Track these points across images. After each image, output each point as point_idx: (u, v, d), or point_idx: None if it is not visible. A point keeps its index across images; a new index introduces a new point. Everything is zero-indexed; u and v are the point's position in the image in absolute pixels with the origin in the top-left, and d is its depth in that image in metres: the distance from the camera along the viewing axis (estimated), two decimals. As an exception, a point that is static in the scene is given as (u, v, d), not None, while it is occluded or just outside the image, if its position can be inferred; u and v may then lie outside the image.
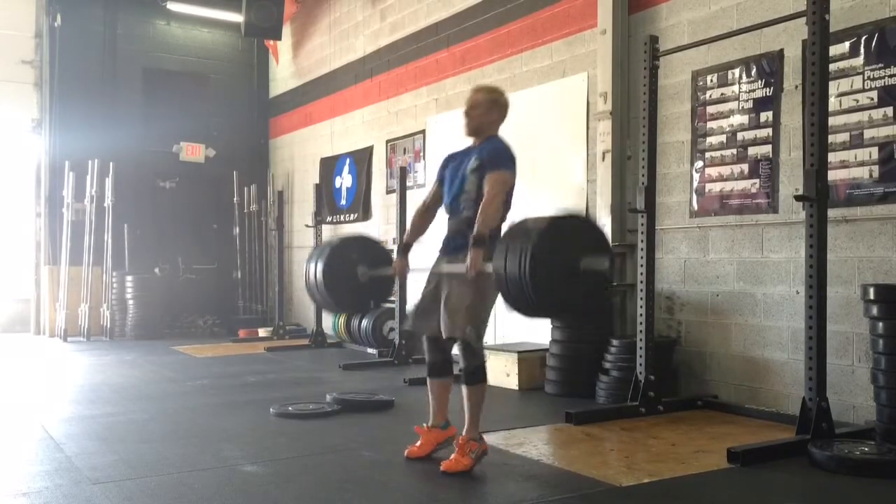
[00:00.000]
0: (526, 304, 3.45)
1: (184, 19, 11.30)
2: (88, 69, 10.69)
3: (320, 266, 4.34)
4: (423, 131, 8.31)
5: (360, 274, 4.26)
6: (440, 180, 3.95)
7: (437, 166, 4.03)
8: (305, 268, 4.51)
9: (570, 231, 3.58)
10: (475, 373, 3.64)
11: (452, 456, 3.59)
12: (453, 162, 3.90)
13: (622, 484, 3.40)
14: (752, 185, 5.09)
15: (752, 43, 5.08)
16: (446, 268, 3.77)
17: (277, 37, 10.59)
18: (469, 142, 3.91)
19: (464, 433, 3.62)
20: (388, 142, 8.93)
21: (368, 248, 4.59)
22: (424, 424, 3.90)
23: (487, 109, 3.81)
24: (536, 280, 3.33)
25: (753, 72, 5.09)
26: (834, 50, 4.39)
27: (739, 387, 5.13)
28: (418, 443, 3.87)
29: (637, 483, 3.41)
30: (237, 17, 10.40)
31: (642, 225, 4.95)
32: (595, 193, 6.08)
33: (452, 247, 3.77)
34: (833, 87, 4.41)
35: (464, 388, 3.66)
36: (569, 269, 3.44)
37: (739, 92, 5.17)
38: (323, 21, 10.50)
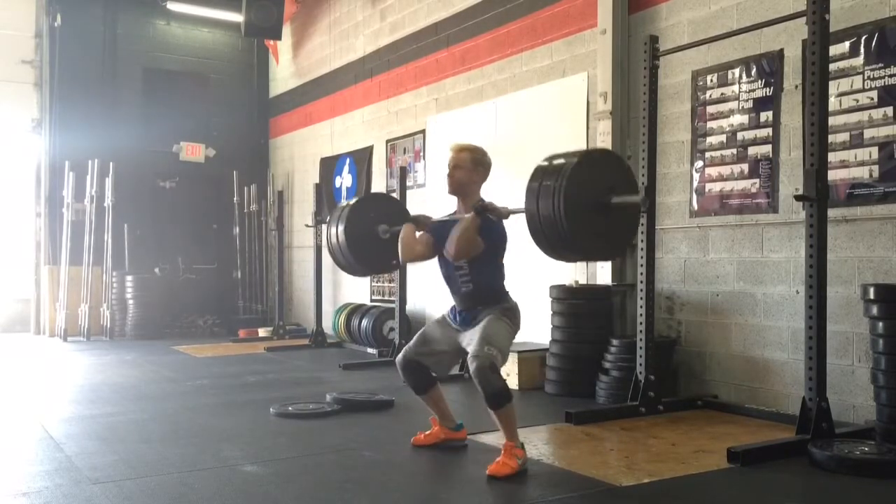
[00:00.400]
0: (561, 244, 3.49)
1: (184, 19, 11.30)
2: (88, 69, 10.69)
3: (341, 228, 4.36)
4: (423, 131, 8.31)
5: (380, 232, 4.26)
6: (435, 233, 3.93)
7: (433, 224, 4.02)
8: (326, 232, 4.53)
9: (600, 166, 3.60)
10: (497, 396, 3.54)
11: (499, 459, 3.53)
12: (440, 232, 3.86)
13: (622, 484, 3.40)
14: (752, 184, 5.09)
15: (752, 43, 5.08)
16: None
17: (277, 37, 10.59)
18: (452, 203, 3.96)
19: (506, 440, 3.60)
20: (388, 141, 8.93)
21: (387, 206, 4.59)
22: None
23: (472, 169, 3.84)
24: (570, 217, 3.34)
25: (753, 72, 5.09)
26: (834, 50, 4.39)
27: (739, 387, 5.13)
28: (427, 432, 4.03)
29: (637, 483, 3.41)
30: (237, 17, 10.40)
31: (642, 225, 4.94)
32: (595, 193, 6.07)
33: (468, 319, 3.80)
34: (833, 87, 4.41)
35: (492, 414, 3.60)
36: (602, 204, 3.48)
37: (739, 92, 5.17)
38: (323, 21, 10.50)
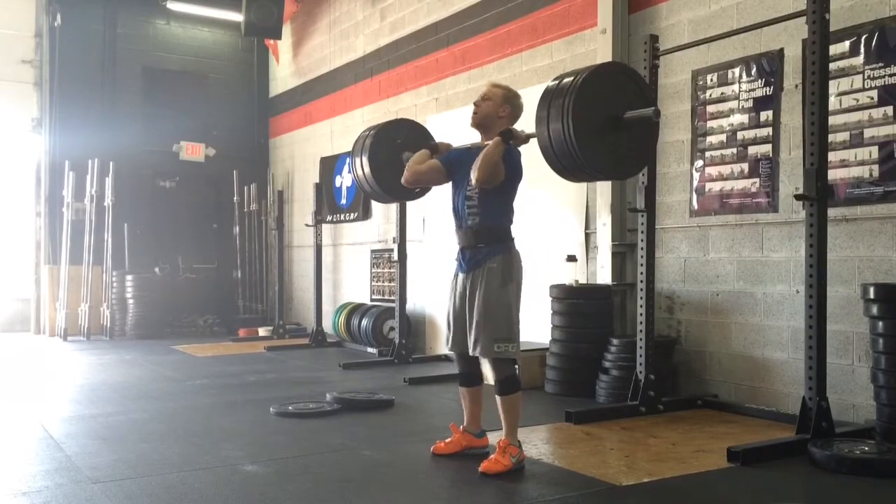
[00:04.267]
0: (573, 164, 3.47)
1: (184, 19, 11.30)
2: (88, 69, 10.69)
3: (365, 157, 4.36)
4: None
5: (404, 159, 4.25)
6: (447, 162, 3.91)
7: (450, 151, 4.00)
8: (351, 161, 4.54)
9: (609, 81, 3.57)
10: (505, 383, 3.63)
11: (492, 457, 3.57)
12: (461, 159, 3.84)
13: (622, 483, 3.40)
14: (752, 184, 5.09)
15: (752, 42, 5.08)
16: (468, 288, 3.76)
17: (277, 36, 10.59)
18: (475, 137, 3.91)
19: (503, 437, 3.62)
20: (388, 141, 8.92)
21: (410, 132, 4.58)
22: (460, 425, 3.93)
23: (500, 104, 3.79)
24: (580, 138, 3.32)
25: (753, 71, 5.09)
26: (834, 49, 4.39)
27: (739, 386, 5.13)
28: (448, 440, 3.91)
29: (637, 482, 3.41)
30: (237, 17, 10.40)
31: (642, 224, 4.95)
32: (595, 192, 6.08)
33: (470, 263, 3.75)
34: (833, 87, 4.41)
35: (497, 399, 3.67)
36: (613, 120, 3.46)
37: (739, 91, 5.17)
38: (323, 20, 10.50)
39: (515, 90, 3.92)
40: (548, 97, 3.66)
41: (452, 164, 3.89)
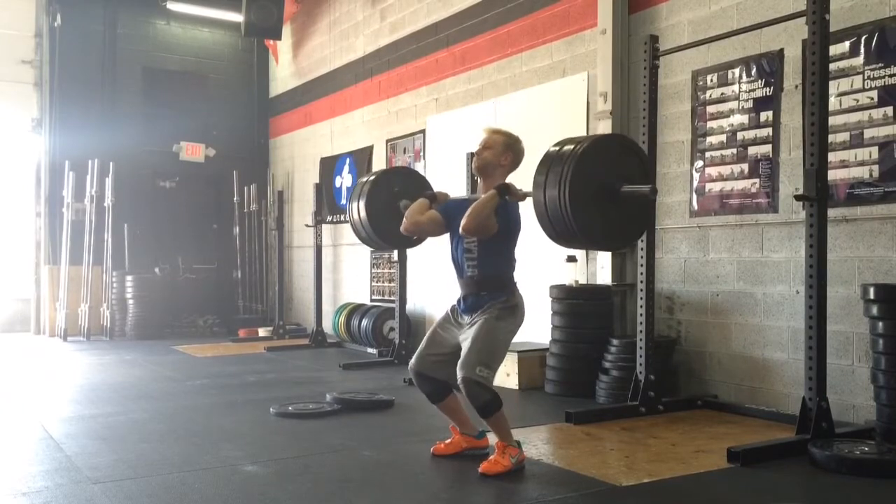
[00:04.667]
0: (566, 230, 3.48)
1: (184, 19, 11.30)
2: (88, 69, 10.69)
3: (362, 203, 4.35)
4: (423, 131, 8.31)
5: (402, 207, 4.24)
6: (444, 213, 3.86)
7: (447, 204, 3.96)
8: (348, 207, 4.52)
9: (610, 152, 3.57)
10: (486, 407, 3.54)
11: (491, 457, 3.57)
12: (458, 209, 3.76)
13: (622, 483, 3.40)
14: (752, 184, 5.10)
15: (752, 43, 5.08)
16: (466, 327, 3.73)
17: (277, 37, 10.59)
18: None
19: (500, 439, 3.61)
20: (388, 141, 8.93)
21: (409, 180, 4.57)
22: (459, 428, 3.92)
23: (501, 152, 3.73)
24: (575, 208, 3.32)
25: (753, 71, 5.09)
26: (834, 50, 4.39)
27: (739, 386, 5.13)
28: (448, 441, 3.90)
29: (637, 483, 3.41)
30: (237, 17, 10.40)
31: (646, 221, 4.95)
32: (595, 193, 6.07)
33: (472, 307, 3.71)
34: (833, 87, 4.41)
35: (485, 421, 3.63)
36: (610, 191, 3.45)
37: (739, 92, 5.17)
38: (323, 21, 10.50)
39: (516, 136, 3.84)
40: (547, 162, 3.64)
41: (450, 214, 3.84)
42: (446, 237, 3.90)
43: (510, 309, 3.67)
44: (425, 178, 4.86)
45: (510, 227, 3.69)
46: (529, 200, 3.73)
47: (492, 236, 3.62)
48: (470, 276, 3.71)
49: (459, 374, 3.53)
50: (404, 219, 3.94)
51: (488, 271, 3.68)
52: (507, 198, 3.63)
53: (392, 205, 4.40)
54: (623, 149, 3.87)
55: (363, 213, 4.43)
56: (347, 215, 4.78)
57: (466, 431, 3.90)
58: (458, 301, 3.82)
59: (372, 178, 4.62)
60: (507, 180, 3.73)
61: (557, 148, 3.70)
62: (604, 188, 3.61)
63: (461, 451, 3.86)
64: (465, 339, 3.65)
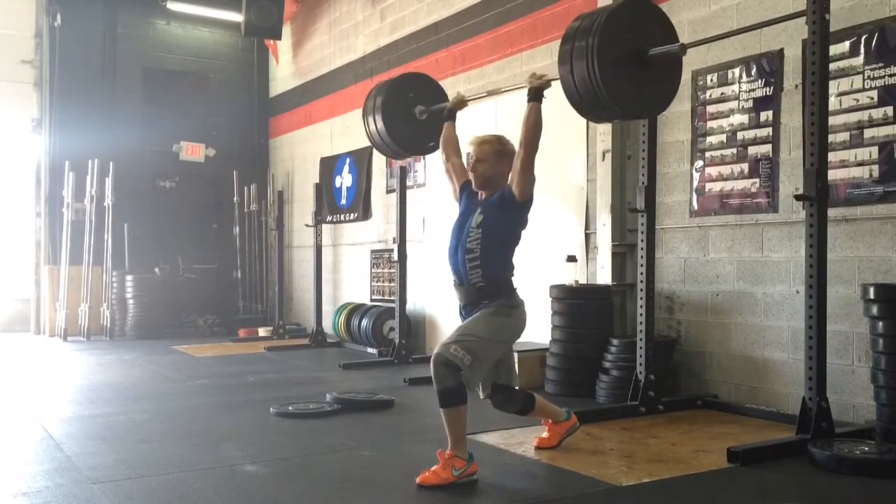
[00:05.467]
0: (596, 102, 3.44)
1: (184, 19, 11.30)
2: (88, 69, 10.69)
3: (379, 112, 4.36)
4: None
5: (417, 113, 4.25)
6: (462, 185, 3.90)
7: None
8: (363, 116, 4.53)
9: (632, 20, 3.54)
10: (445, 394, 3.40)
11: (433, 468, 3.39)
12: (468, 200, 3.81)
13: (622, 483, 3.40)
14: (752, 184, 5.09)
15: (752, 43, 5.08)
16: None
17: (277, 36, 10.60)
18: None
19: (449, 448, 3.43)
20: (388, 141, 8.92)
21: (423, 86, 4.58)
22: (549, 420, 4.04)
23: (495, 161, 3.70)
24: (606, 77, 3.27)
25: (753, 71, 5.09)
26: (834, 49, 4.39)
27: (739, 386, 5.13)
28: (545, 434, 4.03)
29: (637, 483, 3.41)
30: (237, 17, 10.41)
31: (642, 224, 4.95)
32: (595, 193, 6.08)
33: (470, 315, 3.67)
34: (833, 87, 4.41)
35: (441, 412, 3.46)
36: (637, 56, 3.42)
37: (739, 91, 5.17)
38: (323, 21, 10.50)
39: (501, 136, 3.84)
40: (571, 35, 3.60)
41: (463, 194, 3.88)
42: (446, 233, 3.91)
43: (508, 308, 3.61)
44: (438, 83, 4.84)
45: (517, 230, 3.69)
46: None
47: (497, 236, 3.60)
48: (473, 282, 3.62)
49: (433, 354, 3.45)
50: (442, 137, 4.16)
51: (490, 276, 3.60)
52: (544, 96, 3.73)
53: (408, 111, 4.41)
54: (645, 13, 3.80)
55: (380, 124, 4.43)
56: (364, 126, 4.81)
57: (557, 419, 4.02)
58: (460, 311, 3.76)
59: (385, 87, 4.61)
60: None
61: (578, 23, 3.63)
62: (631, 53, 3.54)
63: (561, 438, 4.00)
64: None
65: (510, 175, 3.67)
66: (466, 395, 3.48)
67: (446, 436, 3.45)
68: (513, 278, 3.72)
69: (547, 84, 3.78)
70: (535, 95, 3.72)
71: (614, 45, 3.50)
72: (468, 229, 3.67)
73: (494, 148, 3.72)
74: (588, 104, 3.63)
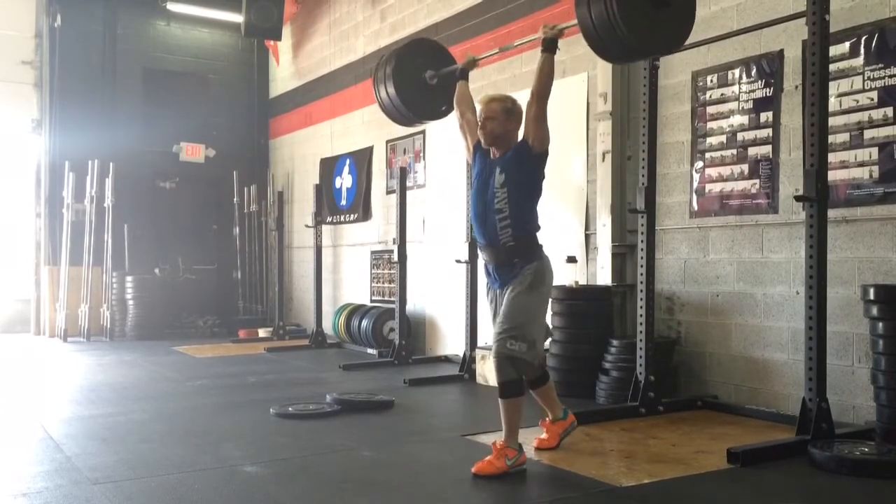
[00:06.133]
0: (619, 45, 3.47)
1: (184, 19, 11.30)
2: (88, 69, 10.69)
3: (390, 80, 4.35)
4: (423, 132, 8.30)
5: (427, 77, 4.27)
6: (475, 145, 3.95)
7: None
8: (374, 84, 4.53)
9: None
10: (507, 386, 3.61)
11: (487, 458, 3.55)
12: (483, 161, 3.86)
13: (622, 484, 3.40)
14: (752, 185, 5.10)
15: (752, 43, 5.08)
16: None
17: (277, 37, 10.60)
18: None
19: (502, 439, 3.60)
20: (388, 142, 8.93)
21: (431, 51, 4.59)
22: (547, 418, 4.04)
23: (505, 119, 3.79)
24: (626, 18, 3.28)
25: (753, 72, 5.09)
26: (834, 50, 4.39)
27: (739, 387, 5.13)
28: (544, 435, 4.01)
29: (637, 483, 3.41)
30: (237, 18, 10.41)
31: (642, 225, 4.95)
32: (595, 193, 6.08)
33: (505, 279, 3.74)
34: (833, 88, 4.41)
35: (500, 402, 3.67)
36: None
37: (739, 92, 5.18)
38: (323, 21, 10.50)
39: (510, 97, 3.93)
40: None
41: (477, 154, 3.92)
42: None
43: (540, 276, 3.71)
44: (446, 48, 4.85)
45: (539, 182, 3.79)
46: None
47: (524, 191, 3.69)
48: (503, 242, 3.70)
49: (493, 353, 3.64)
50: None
51: (519, 234, 3.70)
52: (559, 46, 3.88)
53: (418, 77, 4.42)
54: None
55: (391, 90, 4.43)
56: (374, 94, 4.80)
57: (555, 416, 4.03)
58: (488, 273, 3.86)
59: (395, 53, 4.61)
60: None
61: None
62: None
63: (560, 439, 4.00)
64: (501, 311, 3.71)
65: (525, 129, 3.77)
66: (524, 388, 3.71)
67: (501, 426, 3.65)
68: (538, 233, 3.80)
69: (560, 33, 3.90)
70: (550, 46, 3.86)
71: None
72: (493, 191, 3.74)
73: (504, 106, 3.82)
74: (605, 40, 3.63)
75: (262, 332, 10.06)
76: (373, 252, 9.14)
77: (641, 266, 4.97)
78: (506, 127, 3.78)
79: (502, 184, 3.71)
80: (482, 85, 7.39)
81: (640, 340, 4.89)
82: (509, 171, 3.71)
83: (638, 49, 3.80)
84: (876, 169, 4.43)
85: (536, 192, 3.78)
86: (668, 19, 3.71)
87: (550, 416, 4.07)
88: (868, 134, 4.47)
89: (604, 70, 5.95)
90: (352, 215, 9.62)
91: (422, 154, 8.31)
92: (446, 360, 7.40)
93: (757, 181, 5.06)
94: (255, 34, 10.39)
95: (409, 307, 7.79)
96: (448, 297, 7.58)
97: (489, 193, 3.75)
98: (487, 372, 6.10)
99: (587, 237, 6.20)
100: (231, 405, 5.39)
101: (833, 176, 4.41)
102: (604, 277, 5.91)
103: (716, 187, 5.31)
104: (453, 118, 4.33)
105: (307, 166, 10.80)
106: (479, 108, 3.89)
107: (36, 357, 8.31)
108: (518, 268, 3.70)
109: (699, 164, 5.44)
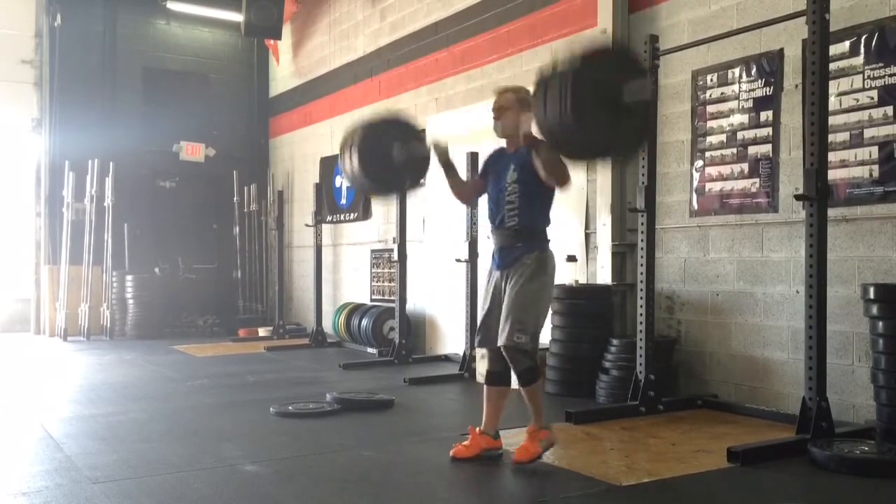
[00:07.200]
0: (573, 147, 3.45)
1: (184, 19, 11.30)
2: (88, 69, 10.69)
3: (356, 149, 4.34)
4: (423, 131, 8.30)
5: (394, 150, 4.25)
6: (484, 175, 4.03)
7: (483, 160, 4.11)
8: (340, 156, 4.54)
9: (605, 62, 3.53)
10: (525, 373, 3.72)
11: (521, 444, 3.70)
12: (496, 164, 3.95)
13: (622, 483, 3.40)
14: (752, 184, 5.09)
15: (752, 42, 5.08)
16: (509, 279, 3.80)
17: (277, 36, 10.59)
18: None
19: (532, 423, 3.75)
20: (388, 141, 8.91)
21: (398, 124, 4.57)
22: (477, 428, 3.88)
23: (518, 110, 3.85)
24: (581, 120, 3.29)
25: (753, 71, 5.09)
26: (834, 49, 4.39)
27: (739, 386, 5.13)
28: (467, 442, 3.86)
29: (637, 482, 3.41)
30: (237, 17, 10.40)
31: (642, 224, 4.95)
32: (595, 193, 6.08)
33: (506, 260, 3.82)
34: (833, 87, 4.41)
35: (522, 391, 3.78)
36: (612, 102, 3.42)
37: (739, 91, 5.17)
38: (323, 21, 10.50)
39: (522, 87, 3.98)
40: (544, 80, 3.56)
41: (489, 171, 3.99)
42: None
43: (541, 265, 3.77)
44: (410, 119, 4.83)
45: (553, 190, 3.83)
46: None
47: (540, 190, 3.74)
48: (509, 226, 3.80)
49: (500, 342, 3.70)
50: (458, 199, 4.27)
51: (526, 222, 3.79)
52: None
53: (385, 151, 4.39)
54: (612, 54, 3.72)
55: (356, 164, 4.41)
56: (340, 165, 4.81)
57: (487, 430, 3.88)
58: (493, 256, 3.92)
59: (361, 127, 4.60)
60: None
61: (550, 70, 3.57)
62: (605, 94, 3.44)
63: (480, 451, 3.81)
64: (504, 302, 3.75)
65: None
66: (539, 371, 3.85)
67: (529, 413, 3.79)
68: (547, 228, 3.85)
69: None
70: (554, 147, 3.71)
71: (587, 86, 3.46)
72: (505, 184, 3.83)
73: (516, 96, 3.88)
74: (561, 144, 3.59)
75: (261, 332, 10.05)
76: (373, 251, 9.14)
77: (641, 265, 4.97)
78: (519, 118, 3.84)
79: (514, 180, 3.80)
80: (482, 84, 7.39)
81: (640, 339, 4.89)
82: (522, 175, 3.78)
83: (587, 154, 3.76)
84: (876, 168, 4.43)
85: (549, 194, 3.85)
86: (625, 127, 3.65)
87: (483, 428, 3.88)
88: (868, 133, 4.47)
89: (604, 69, 5.93)
90: (352, 214, 9.62)
91: (422, 153, 8.29)
92: (446, 359, 7.39)
93: (757, 180, 5.06)
94: (255, 33, 10.38)
95: (409, 306, 7.79)
96: (448, 297, 7.58)
97: (502, 184, 3.85)
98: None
99: (587, 236, 6.20)
100: (231, 404, 5.39)
101: (833, 175, 4.41)
102: (604, 276, 5.91)
103: (716, 186, 5.31)
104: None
105: (307, 165, 10.80)
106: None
107: (36, 356, 8.32)
108: (519, 252, 3.77)
109: (699, 163, 5.44)
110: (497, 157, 3.99)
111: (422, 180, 4.74)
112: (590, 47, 3.57)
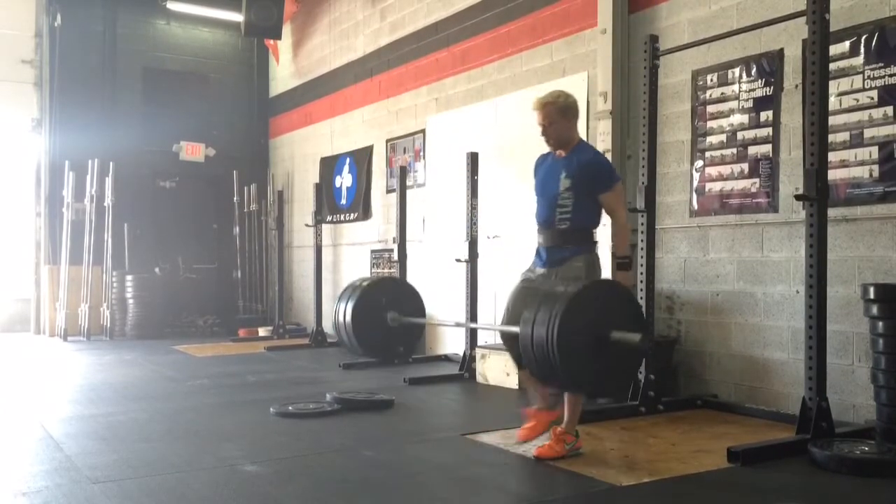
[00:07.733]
0: (551, 373, 3.50)
1: (184, 19, 11.30)
2: (88, 69, 10.69)
3: (349, 307, 4.32)
4: (423, 131, 8.31)
5: (389, 319, 4.25)
6: (535, 175, 4.11)
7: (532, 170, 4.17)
8: (335, 307, 4.50)
9: (602, 298, 3.56)
10: None
11: (546, 443, 3.74)
12: (542, 168, 4.03)
13: (622, 483, 3.40)
14: (752, 184, 5.09)
15: (752, 42, 5.08)
16: (558, 274, 3.84)
17: (277, 36, 10.60)
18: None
19: (563, 425, 3.77)
20: (388, 141, 8.93)
21: (398, 291, 4.54)
22: (533, 408, 3.98)
23: (563, 117, 3.89)
24: (563, 352, 3.30)
25: (753, 71, 5.09)
26: (834, 49, 4.39)
27: (739, 386, 5.13)
28: (528, 425, 3.93)
29: (637, 482, 3.41)
30: (237, 17, 10.40)
31: (642, 224, 4.96)
32: (595, 193, 6.07)
33: (552, 260, 3.88)
34: (833, 87, 4.41)
35: (566, 394, 3.80)
36: (598, 339, 3.43)
37: (739, 91, 5.17)
38: (323, 20, 10.50)
39: (562, 92, 4.02)
40: (536, 301, 3.61)
41: (538, 172, 4.07)
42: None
43: (591, 266, 3.84)
44: (414, 287, 4.78)
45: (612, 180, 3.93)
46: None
47: (591, 197, 3.83)
48: (560, 229, 3.85)
49: None
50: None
51: (576, 225, 3.87)
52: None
53: (379, 315, 4.36)
54: (613, 294, 3.78)
55: (348, 319, 4.39)
56: (333, 316, 4.76)
57: (543, 405, 3.95)
58: (537, 252, 3.96)
59: (361, 286, 4.55)
60: None
61: (547, 290, 3.65)
62: (592, 333, 3.51)
63: (546, 428, 3.88)
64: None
65: (605, 205, 3.90)
66: None
67: (564, 414, 3.81)
68: (596, 228, 3.92)
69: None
70: (625, 265, 3.97)
71: (576, 323, 3.48)
72: (557, 191, 3.88)
73: (556, 107, 3.90)
74: (539, 365, 3.63)
75: (262, 331, 10.06)
76: (373, 251, 9.14)
77: (641, 265, 4.97)
78: (566, 126, 3.91)
79: (568, 188, 3.87)
80: (482, 84, 7.40)
81: (640, 340, 4.88)
82: (574, 182, 3.85)
83: (571, 387, 3.78)
84: (876, 168, 4.43)
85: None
86: (607, 364, 3.64)
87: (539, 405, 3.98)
88: (868, 133, 4.47)
89: (604, 69, 5.94)
90: (352, 214, 9.62)
91: (422, 153, 8.31)
92: (446, 359, 7.39)
93: (757, 180, 5.06)
94: (255, 33, 10.38)
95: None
96: (448, 297, 7.57)
97: (555, 190, 3.89)
98: (487, 371, 6.10)
99: (587, 236, 6.19)
100: (231, 404, 5.39)
101: (833, 175, 4.41)
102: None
103: (716, 186, 5.31)
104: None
105: (307, 165, 10.80)
106: (534, 114, 3.96)
107: (36, 356, 8.32)
108: (568, 253, 3.83)
109: (699, 163, 5.44)
110: (546, 161, 4.05)
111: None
112: (587, 286, 3.58)
